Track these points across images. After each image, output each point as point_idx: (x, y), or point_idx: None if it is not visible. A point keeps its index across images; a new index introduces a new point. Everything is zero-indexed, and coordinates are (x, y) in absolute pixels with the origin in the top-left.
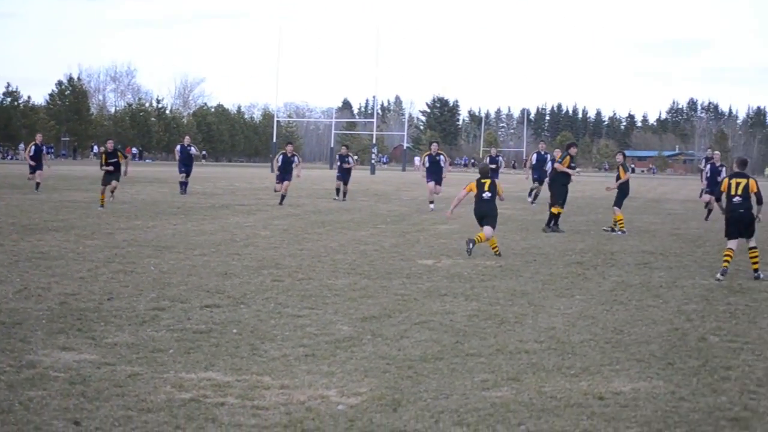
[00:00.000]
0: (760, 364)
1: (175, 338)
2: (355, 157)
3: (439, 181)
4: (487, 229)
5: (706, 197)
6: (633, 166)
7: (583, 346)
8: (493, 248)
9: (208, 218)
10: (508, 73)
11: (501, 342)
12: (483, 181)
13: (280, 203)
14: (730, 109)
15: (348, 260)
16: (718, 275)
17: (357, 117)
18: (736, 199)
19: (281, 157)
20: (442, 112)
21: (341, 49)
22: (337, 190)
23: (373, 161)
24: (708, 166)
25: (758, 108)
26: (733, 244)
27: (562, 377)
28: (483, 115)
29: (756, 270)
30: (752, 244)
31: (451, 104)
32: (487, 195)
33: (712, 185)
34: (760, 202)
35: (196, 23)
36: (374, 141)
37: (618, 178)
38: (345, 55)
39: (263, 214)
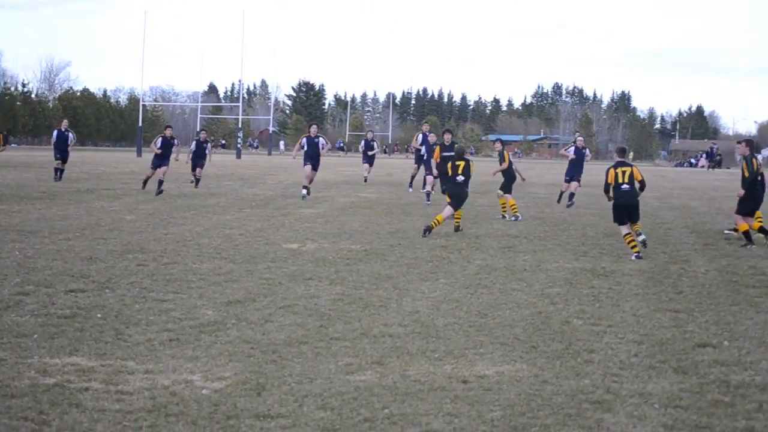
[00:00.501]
0: (623, 347)
1: (39, 323)
2: (223, 142)
3: (315, 166)
4: (447, 209)
5: (564, 184)
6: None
7: (447, 330)
8: (456, 221)
9: (73, 203)
10: (374, 56)
11: (365, 326)
12: (458, 163)
13: (158, 193)
14: (595, 94)
15: (213, 244)
16: (633, 258)
17: (223, 101)
18: (625, 186)
19: (161, 140)
20: (308, 96)
21: (207, 32)
22: (197, 180)
23: (239, 145)
24: (572, 149)
25: (623, 92)
26: (624, 228)
27: (426, 361)
28: (349, 99)
29: (638, 245)
30: (636, 228)
31: (317, 88)
32: (460, 179)
33: (576, 170)
34: (642, 188)
35: (62, 6)
36: (240, 125)
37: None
38: (211, 38)
39: (129, 199)
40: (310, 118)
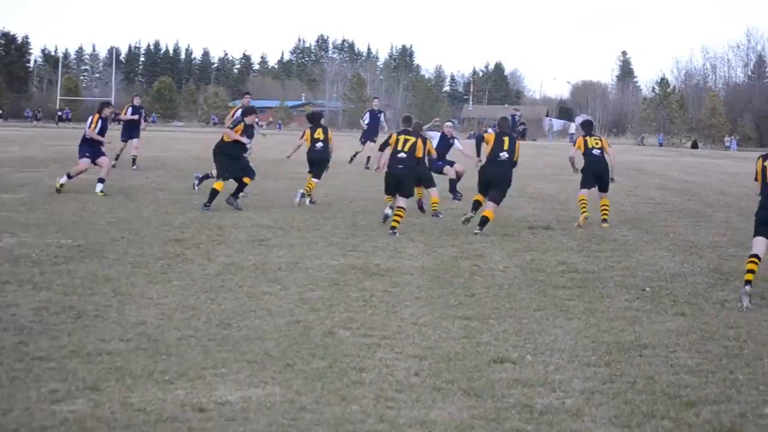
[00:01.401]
0: (401, 364)
1: None
2: None
3: (98, 154)
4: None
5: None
6: (261, 122)
7: (180, 345)
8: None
9: None
10: (92, 2)
11: (77, 342)
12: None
13: None
14: (369, 49)
15: None
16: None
17: None
18: (401, 154)
19: None
20: (8, 51)
21: None
22: None
23: None
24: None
25: (404, 47)
26: (393, 201)
27: (153, 384)
28: (60, 54)
29: (393, 228)
30: (401, 204)
31: (20, 41)
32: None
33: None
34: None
35: None
36: None
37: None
38: None
39: None
40: (10, 78)
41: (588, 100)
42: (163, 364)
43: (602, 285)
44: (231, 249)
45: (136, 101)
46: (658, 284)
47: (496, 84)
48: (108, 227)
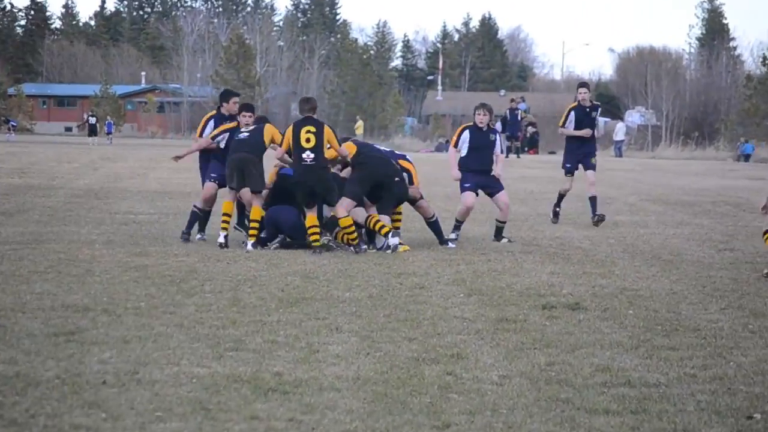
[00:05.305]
0: None
1: None
2: None
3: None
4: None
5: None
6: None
7: None
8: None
9: None
10: None
11: None
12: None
13: None
14: None
15: None
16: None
17: None
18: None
19: None
20: None
21: None
22: None
23: None
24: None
25: None
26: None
27: None
28: None
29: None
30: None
31: None
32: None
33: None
34: None
35: None
36: None
37: None
38: None
39: None
40: None
41: (648, 82)
42: None
43: (675, 409)
44: (15, 349)
45: None
46: None
47: (484, 55)
48: None
